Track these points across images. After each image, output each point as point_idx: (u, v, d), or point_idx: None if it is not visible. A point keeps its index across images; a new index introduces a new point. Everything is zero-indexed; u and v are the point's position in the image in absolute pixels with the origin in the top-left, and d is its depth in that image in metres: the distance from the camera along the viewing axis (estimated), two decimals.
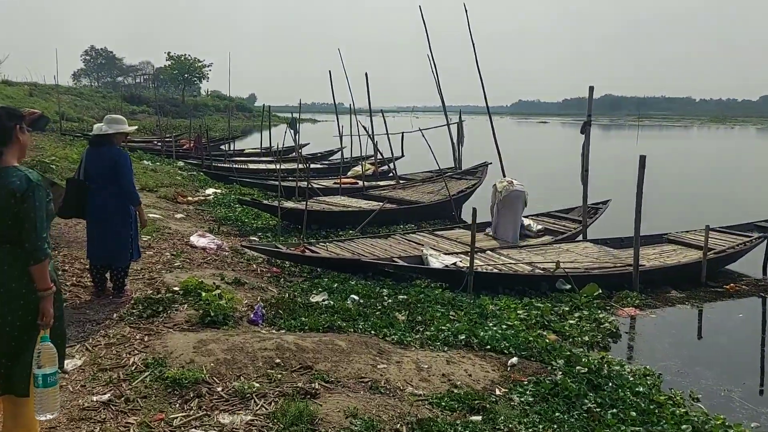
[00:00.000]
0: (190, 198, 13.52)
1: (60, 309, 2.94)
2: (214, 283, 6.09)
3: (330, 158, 24.42)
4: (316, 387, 4.09)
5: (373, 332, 5.48)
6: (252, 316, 5.49)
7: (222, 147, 27.78)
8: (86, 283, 5.95)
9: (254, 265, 7.94)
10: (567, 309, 6.93)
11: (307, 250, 7.97)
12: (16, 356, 2.74)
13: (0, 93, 39.60)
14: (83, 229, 6.18)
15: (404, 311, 6.23)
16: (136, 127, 6.85)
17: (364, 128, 16.06)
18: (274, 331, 5.26)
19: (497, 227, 9.63)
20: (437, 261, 7.57)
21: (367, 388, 4.23)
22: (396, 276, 7.63)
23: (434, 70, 14.07)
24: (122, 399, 3.70)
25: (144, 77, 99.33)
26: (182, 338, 4.66)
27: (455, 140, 15.08)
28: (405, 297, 6.68)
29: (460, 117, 15.30)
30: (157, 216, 10.24)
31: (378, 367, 4.60)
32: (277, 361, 4.41)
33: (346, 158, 22.04)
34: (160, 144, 25.65)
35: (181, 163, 20.84)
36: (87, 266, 5.94)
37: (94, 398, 3.69)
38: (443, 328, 5.75)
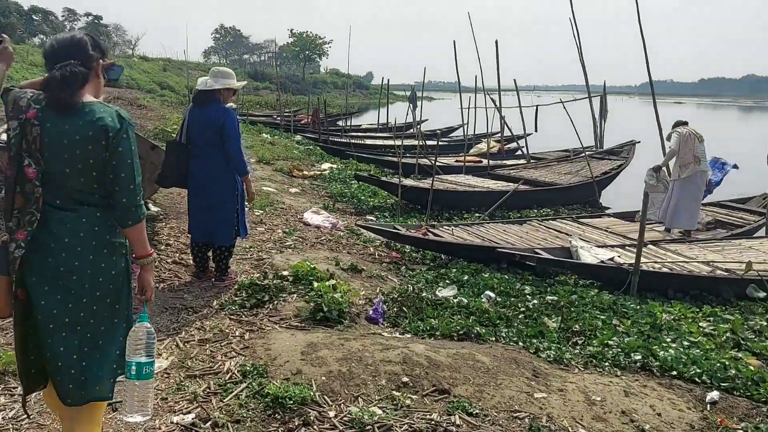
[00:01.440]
0: (305, 172, 12.95)
1: (128, 309, 2.27)
2: (327, 269, 5.21)
3: (450, 135, 23.23)
4: (457, 422, 3.05)
5: (520, 343, 4.36)
6: (371, 313, 4.54)
7: (339, 123, 27.39)
8: (188, 261, 5.28)
9: (371, 248, 7.03)
10: (766, 324, 5.40)
11: (429, 233, 6.94)
12: (102, 348, 2.18)
13: (137, 67, 41.98)
14: None
15: (554, 316, 5.04)
16: (245, 82, 6.17)
17: (492, 101, 14.65)
18: (398, 335, 4.28)
19: (672, 212, 7.97)
20: (590, 255, 6.26)
21: (525, 428, 3.13)
22: (536, 270, 6.43)
23: (578, 44, 12.39)
24: (209, 423, 2.86)
25: (268, 55, 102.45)
26: (289, 339, 3.79)
27: (597, 116, 13.36)
28: (554, 298, 5.47)
29: (604, 89, 13.53)
30: (272, 189, 9.64)
31: (535, 396, 3.48)
32: (405, 379, 3.41)
33: (469, 135, 20.81)
34: (279, 118, 25.66)
35: (298, 137, 20.56)
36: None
37: (175, 419, 2.87)
38: (610, 342, 4.52)
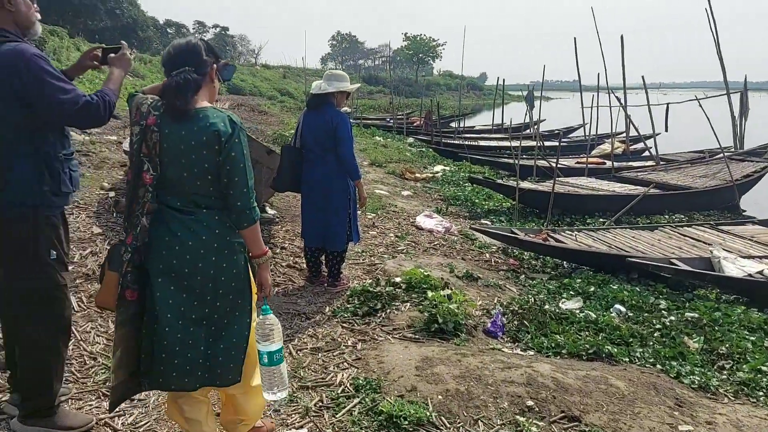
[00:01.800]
0: (417, 174, 12.80)
1: (246, 309, 2.34)
2: (441, 277, 4.98)
3: (570, 135, 22.22)
4: None
5: (657, 366, 3.90)
6: (489, 326, 4.26)
7: (452, 124, 27.09)
8: (302, 265, 5.26)
9: (487, 254, 6.72)
10: None
11: (550, 239, 6.51)
12: (226, 339, 2.27)
13: (260, 75, 44.07)
14: None
15: (695, 335, 4.50)
16: (359, 85, 6.23)
17: (618, 99, 13.73)
18: (519, 352, 3.97)
19: None
20: (735, 267, 5.57)
21: None
22: (670, 282, 5.83)
23: (716, 37, 11.27)
24: None
25: (382, 59, 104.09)
26: (402, 352, 3.60)
27: (737, 114, 12.11)
28: (694, 314, 4.90)
29: (745, 85, 12.24)
30: (384, 192, 9.57)
31: (680, 429, 3.05)
32: (529, 402, 3.11)
33: (591, 135, 19.77)
34: (391, 121, 25.79)
35: (410, 140, 20.51)
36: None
37: None
38: (763, 368, 3.95)
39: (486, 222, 8.79)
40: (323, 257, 4.87)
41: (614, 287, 5.59)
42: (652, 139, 13.09)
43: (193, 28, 66.45)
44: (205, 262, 2.19)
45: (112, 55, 2.68)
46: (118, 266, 2.19)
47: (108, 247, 2.21)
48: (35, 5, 2.57)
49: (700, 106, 11.60)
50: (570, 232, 6.85)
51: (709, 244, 6.53)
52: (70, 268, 3.16)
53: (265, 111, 25.39)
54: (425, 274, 4.79)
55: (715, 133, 11.28)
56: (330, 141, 4.51)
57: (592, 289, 5.51)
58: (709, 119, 11.23)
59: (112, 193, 6.48)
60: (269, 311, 2.26)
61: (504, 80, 25.35)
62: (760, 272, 5.52)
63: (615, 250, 6.34)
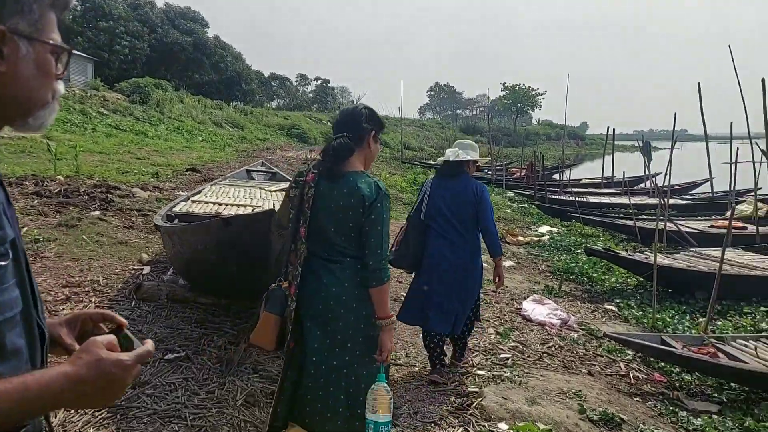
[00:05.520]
0: (521, 237, 11.14)
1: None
2: (567, 425, 3.34)
3: (691, 192, 19.69)
4: None
5: None
6: None
7: (555, 176, 25.08)
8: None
9: (621, 364, 4.98)
10: None
11: (720, 354, 4.66)
12: (365, 391, 2.21)
13: None
14: None
15: None
16: (487, 159, 5.23)
17: (762, 151, 11.48)
18: None
19: None
20: None
21: None
22: None
23: None
24: None
25: (479, 109, 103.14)
26: None
27: None
28: None
29: None
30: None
31: None
32: None
33: (718, 193, 17.26)
34: (490, 172, 24.22)
35: (511, 194, 18.85)
36: None
37: None
38: None
39: (612, 307, 6.98)
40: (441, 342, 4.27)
41: None
42: None
43: (296, 81, 68.48)
44: (347, 307, 2.37)
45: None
46: (277, 309, 2.42)
47: None
48: (63, 68, 1.06)
49: None
50: (743, 341, 4.95)
51: None
52: None
53: None
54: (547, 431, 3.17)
55: None
56: (468, 213, 4.19)
57: None
58: None
59: (146, 269, 5.36)
60: (384, 380, 2.22)
61: (614, 129, 23.25)
62: None
63: None
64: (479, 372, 4.26)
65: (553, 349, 5.10)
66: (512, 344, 5.06)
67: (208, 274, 4.53)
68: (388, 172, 20.57)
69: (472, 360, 4.57)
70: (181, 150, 19.51)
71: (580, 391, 4.03)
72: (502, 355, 4.71)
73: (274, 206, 5.89)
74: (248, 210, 5.96)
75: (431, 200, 4.27)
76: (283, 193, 7.48)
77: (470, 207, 4.18)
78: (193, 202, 6.63)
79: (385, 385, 2.19)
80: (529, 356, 4.80)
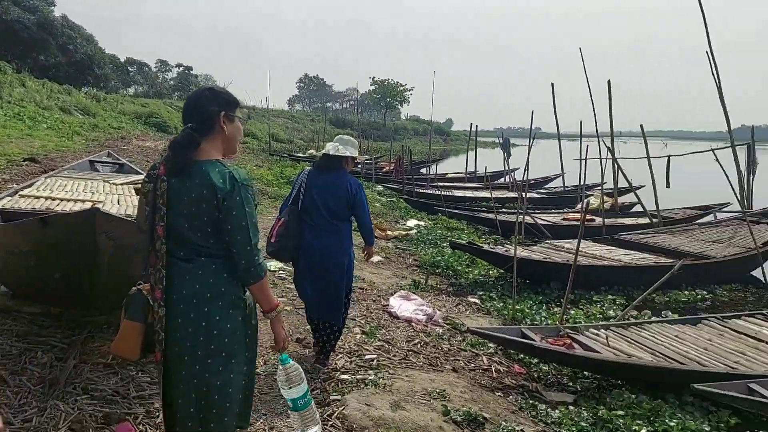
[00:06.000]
0: (389, 232, 11.10)
1: (252, 352, 2.40)
2: (430, 424, 3.21)
3: (545, 186, 20.93)
4: None
5: None
6: None
7: (422, 170, 25.63)
8: None
9: (484, 358, 5.00)
10: None
11: (575, 345, 4.80)
12: (218, 404, 2.26)
13: None
14: None
15: None
16: (366, 157, 5.20)
17: (608, 148, 12.37)
18: None
19: None
20: None
21: None
22: (741, 409, 4.16)
23: (717, 79, 9.93)
24: None
25: (350, 102, 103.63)
26: None
27: (744, 168, 10.80)
28: None
29: (752, 135, 11.00)
30: None
31: None
32: None
33: (569, 187, 18.45)
34: (359, 166, 24.23)
35: (380, 188, 18.93)
36: None
37: None
38: None
39: (475, 300, 7.09)
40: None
41: (672, 424, 3.90)
42: (652, 194, 11.65)
43: (156, 67, 64.42)
44: (198, 312, 2.20)
45: None
46: (138, 316, 2.26)
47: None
48: None
49: (716, 158, 10.22)
50: (595, 331, 5.15)
51: None
52: None
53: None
54: None
55: (734, 191, 9.88)
56: (342, 208, 4.28)
57: (644, 431, 3.80)
58: (724, 169, 9.86)
59: None
60: (288, 360, 2.33)
61: (477, 126, 24.24)
62: None
63: (662, 359, 4.68)
64: (343, 376, 4.03)
65: (419, 346, 5.01)
66: (378, 343, 4.89)
67: (30, 281, 3.90)
68: (254, 164, 19.87)
69: (335, 363, 4.33)
70: (21, 138, 17.44)
71: (444, 390, 3.93)
72: (367, 356, 4.52)
73: (105, 202, 5.27)
74: (87, 206, 5.29)
75: (307, 192, 4.31)
76: (131, 186, 6.79)
77: (345, 201, 4.27)
78: (21, 196, 5.80)
79: (289, 363, 2.32)
80: (394, 355, 4.66)
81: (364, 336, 5.02)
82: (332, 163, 4.37)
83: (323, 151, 4.47)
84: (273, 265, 6.95)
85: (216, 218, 2.19)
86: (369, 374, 4.08)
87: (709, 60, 10.28)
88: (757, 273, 8.90)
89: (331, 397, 3.62)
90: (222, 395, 2.25)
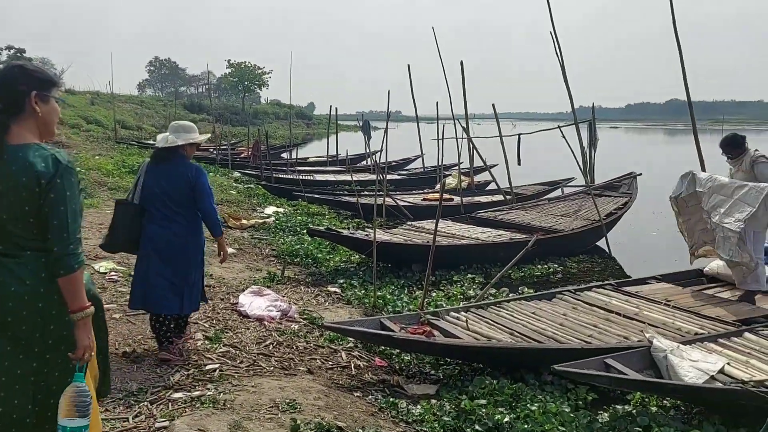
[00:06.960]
0: (245, 221, 10.43)
1: (103, 331, 2.37)
2: None
3: (406, 168, 21.12)
4: None
5: None
6: None
7: (283, 155, 24.85)
8: None
9: (342, 354, 4.65)
10: None
11: (435, 331, 4.57)
12: (44, 404, 2.11)
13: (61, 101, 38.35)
14: None
15: None
16: (209, 135, 4.65)
17: (464, 128, 12.52)
18: None
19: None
20: (689, 366, 4.01)
21: None
22: (597, 385, 4.16)
23: (561, 60, 10.33)
24: None
25: (206, 86, 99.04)
26: None
27: (586, 144, 11.41)
28: None
29: (593, 114, 11.64)
30: None
31: None
32: None
33: (428, 167, 18.71)
34: (215, 152, 22.98)
35: (237, 174, 18.01)
36: None
37: None
38: None
39: (336, 289, 6.71)
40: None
41: (533, 408, 3.78)
42: (505, 172, 11.98)
43: None
44: (31, 309, 2.07)
45: None
46: None
47: None
48: None
49: (563, 136, 10.62)
50: (455, 314, 4.97)
51: (629, 317, 5.06)
52: None
53: (62, 142, 21.03)
54: None
55: (580, 168, 10.36)
56: (186, 196, 4.19)
57: (506, 419, 3.63)
58: (571, 147, 10.29)
59: None
60: (82, 379, 2.08)
61: (337, 109, 23.93)
62: (723, 371, 4.03)
63: (520, 338, 4.58)
64: (175, 395, 3.45)
65: (271, 347, 4.53)
66: (223, 349, 4.35)
67: None
68: (92, 153, 18.06)
69: (171, 378, 3.75)
70: None
71: (295, 400, 3.49)
72: (208, 366, 3.97)
73: None
74: None
75: (146, 184, 4.25)
76: None
77: (186, 190, 4.18)
78: None
79: (82, 385, 2.07)
80: (241, 362, 4.15)
81: (206, 342, 4.45)
82: (168, 153, 4.27)
83: (158, 144, 4.35)
84: (104, 266, 6.12)
85: (38, 206, 2.04)
86: (208, 389, 3.54)
87: (554, 41, 10.66)
88: (601, 243, 9.43)
89: (157, 425, 3.05)
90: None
